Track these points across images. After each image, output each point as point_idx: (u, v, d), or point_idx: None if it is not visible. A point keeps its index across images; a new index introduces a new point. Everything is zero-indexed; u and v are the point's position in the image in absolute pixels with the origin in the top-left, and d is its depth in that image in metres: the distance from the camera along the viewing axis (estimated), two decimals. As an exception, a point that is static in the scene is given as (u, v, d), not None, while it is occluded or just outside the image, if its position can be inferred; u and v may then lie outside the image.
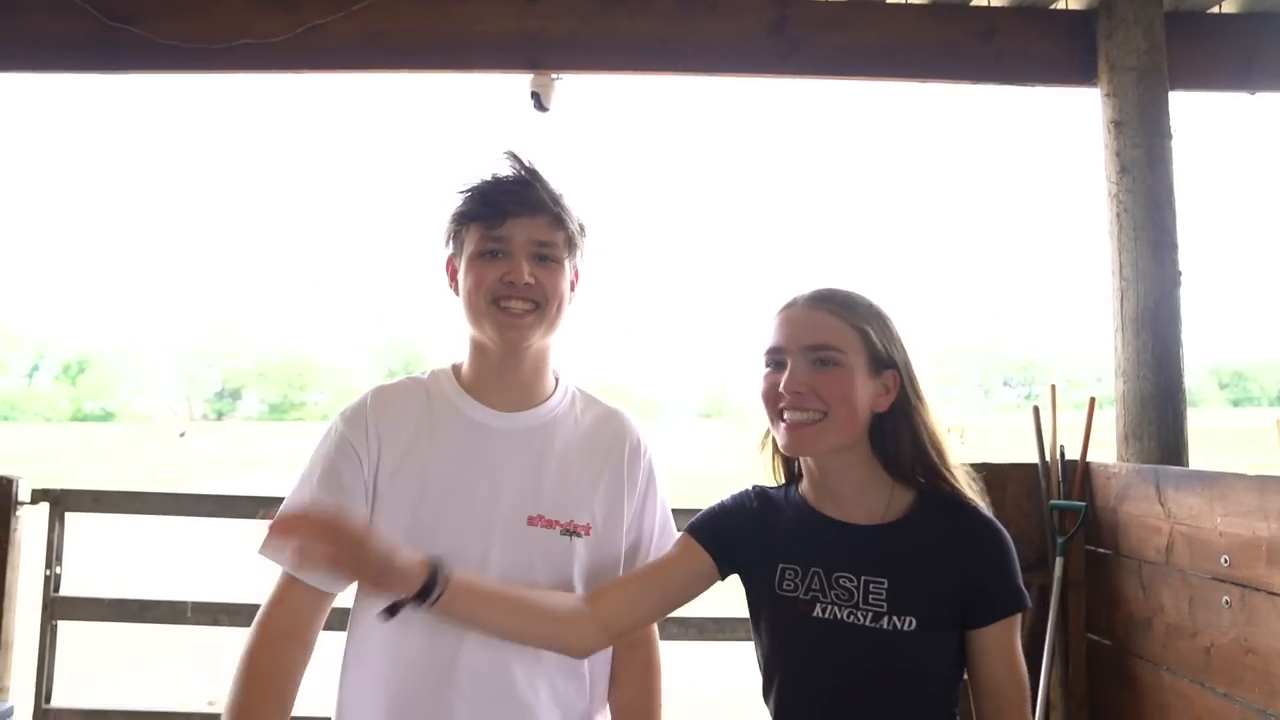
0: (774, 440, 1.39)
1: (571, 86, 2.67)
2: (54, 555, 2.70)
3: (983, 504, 1.30)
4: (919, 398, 1.29)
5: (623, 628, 1.33)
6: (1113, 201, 2.55)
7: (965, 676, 1.29)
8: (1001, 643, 1.25)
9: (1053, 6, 2.71)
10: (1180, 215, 2.58)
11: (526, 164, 1.38)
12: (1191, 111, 2.76)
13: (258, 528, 1.19)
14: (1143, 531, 2.27)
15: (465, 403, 1.39)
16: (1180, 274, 2.52)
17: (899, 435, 1.28)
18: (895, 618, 1.22)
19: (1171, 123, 2.56)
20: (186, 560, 10.32)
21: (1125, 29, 2.55)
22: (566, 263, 1.38)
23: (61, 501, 2.71)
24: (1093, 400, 2.57)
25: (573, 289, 1.42)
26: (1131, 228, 2.51)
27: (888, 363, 1.28)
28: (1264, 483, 1.88)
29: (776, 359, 1.29)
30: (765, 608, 1.33)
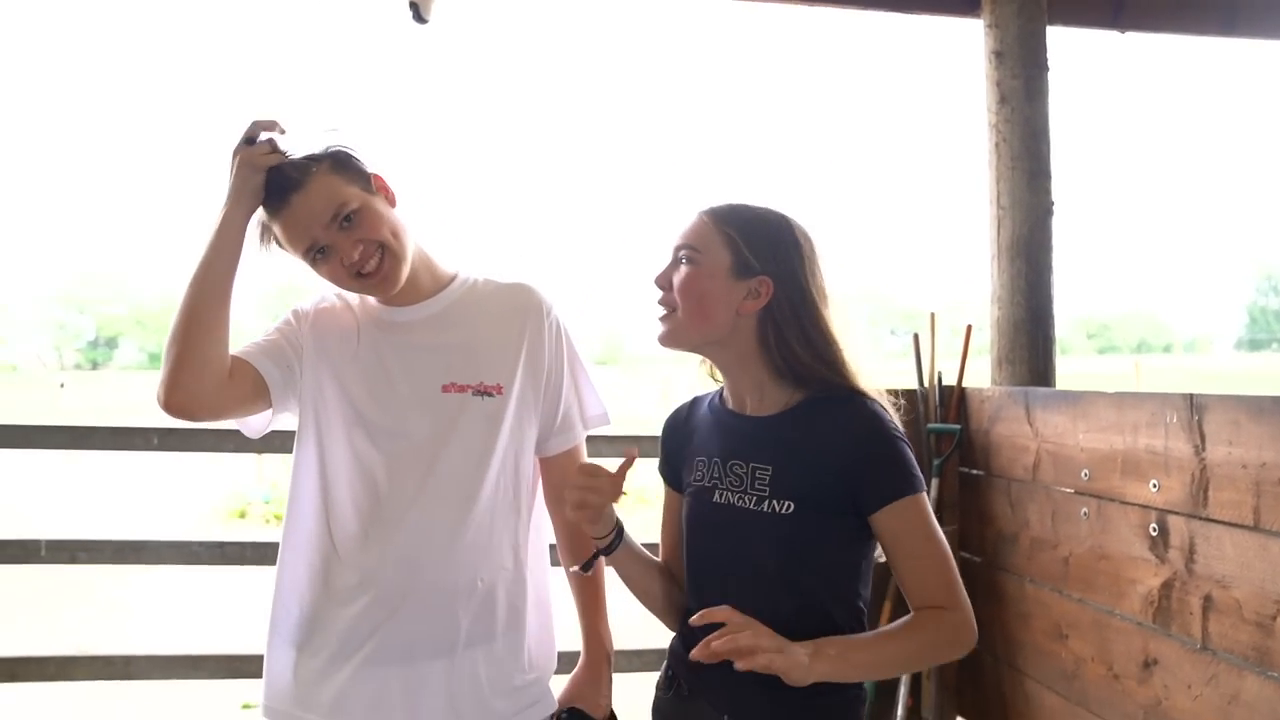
0: None
1: (453, -4, 2.55)
2: (-114, 495, 2.48)
3: (885, 406, 1.35)
4: (802, 305, 1.35)
5: None
6: (992, 131, 2.60)
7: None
8: (900, 526, 1.29)
9: (940, -64, 2.72)
10: (1055, 149, 2.66)
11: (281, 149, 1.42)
12: (1066, 48, 2.83)
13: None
14: (1013, 451, 2.36)
15: (374, 308, 1.54)
16: (1053, 204, 2.60)
17: (780, 336, 1.34)
18: (775, 501, 1.30)
19: (1049, 56, 2.62)
20: (39, 500, 9.78)
21: (1008, -40, 2.58)
22: (363, 195, 1.43)
23: (-107, 437, 2.49)
24: (969, 327, 2.65)
25: (389, 199, 1.49)
26: (1009, 157, 2.57)
27: (756, 269, 1.34)
28: (1121, 399, 1.97)
29: None
30: (686, 498, 1.44)
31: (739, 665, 1.15)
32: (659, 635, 1.61)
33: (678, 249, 1.36)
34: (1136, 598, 1.88)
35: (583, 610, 1.62)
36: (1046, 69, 2.60)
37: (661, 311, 1.36)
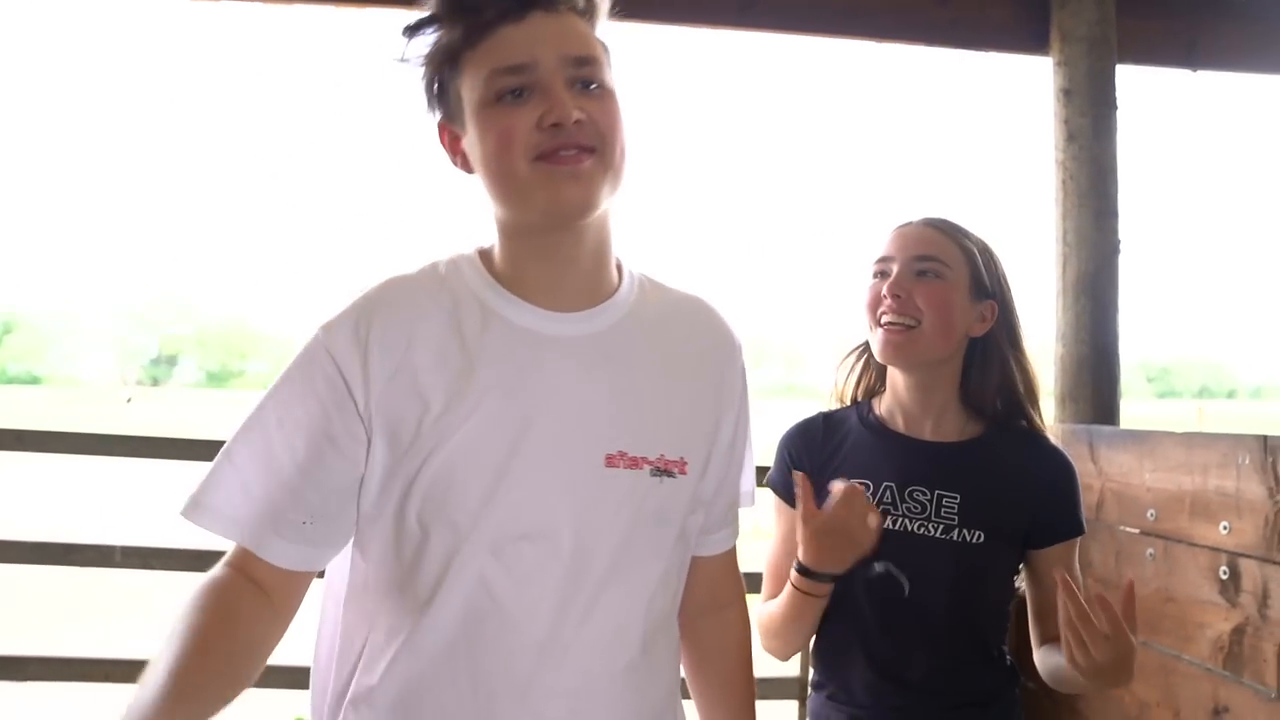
0: (859, 358, 1.45)
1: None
2: (-26, 495, 2.60)
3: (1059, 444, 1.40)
4: (1015, 335, 1.36)
5: None
6: (1059, 169, 2.59)
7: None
8: (1061, 562, 1.34)
9: (1007, -26, 2.72)
10: (1122, 188, 2.63)
11: None
12: (1137, 86, 2.81)
13: None
14: (1074, 489, 2.33)
15: (505, 303, 0.95)
16: (1120, 242, 2.57)
17: (989, 364, 1.34)
18: (965, 530, 1.30)
19: (1118, 94, 2.61)
20: (117, 507, 10.08)
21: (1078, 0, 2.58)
22: (614, 86, 0.95)
23: (-18, 440, 2.61)
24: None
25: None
26: (1076, 195, 2.55)
27: (988, 292, 1.34)
28: (1190, 439, 1.94)
29: (883, 268, 1.34)
30: None
31: None
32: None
33: (917, 259, 1.30)
34: (1205, 642, 1.83)
35: None
36: (1115, 107, 2.58)
37: (898, 321, 1.28)
